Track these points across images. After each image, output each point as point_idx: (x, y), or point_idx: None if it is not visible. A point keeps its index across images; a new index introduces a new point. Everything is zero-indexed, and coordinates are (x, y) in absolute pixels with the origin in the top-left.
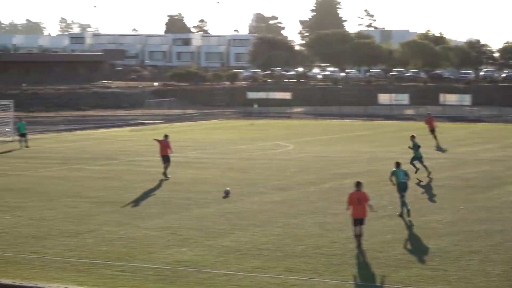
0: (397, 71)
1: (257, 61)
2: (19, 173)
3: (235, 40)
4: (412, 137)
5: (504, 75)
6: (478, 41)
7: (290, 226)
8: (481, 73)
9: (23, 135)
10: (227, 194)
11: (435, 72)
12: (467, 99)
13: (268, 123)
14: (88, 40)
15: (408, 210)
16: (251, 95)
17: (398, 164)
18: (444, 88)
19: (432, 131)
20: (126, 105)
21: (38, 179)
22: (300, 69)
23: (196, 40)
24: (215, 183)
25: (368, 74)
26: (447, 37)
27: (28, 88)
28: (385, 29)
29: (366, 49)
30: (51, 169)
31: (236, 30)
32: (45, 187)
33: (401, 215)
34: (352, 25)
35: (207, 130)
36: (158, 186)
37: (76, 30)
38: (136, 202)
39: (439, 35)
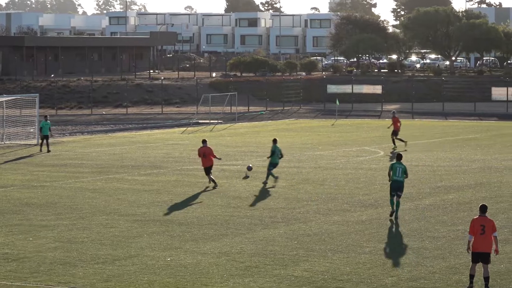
0: None
1: (340, 46)
2: (44, 184)
3: (313, 21)
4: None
5: None
6: None
7: (378, 253)
8: None
9: (46, 137)
10: (247, 173)
11: None
12: None
13: (353, 123)
14: (132, 21)
15: (396, 212)
16: (332, 88)
17: (398, 157)
18: None
19: (395, 133)
20: (177, 101)
21: (67, 191)
22: (394, 57)
23: (265, 21)
24: (285, 198)
25: (479, 63)
26: None
27: (57, 79)
28: (502, 6)
29: (477, 32)
30: (83, 179)
31: (314, 8)
32: (75, 201)
33: (392, 216)
34: (460, 2)
35: (277, 132)
36: (215, 200)
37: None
38: (188, 221)
39: None
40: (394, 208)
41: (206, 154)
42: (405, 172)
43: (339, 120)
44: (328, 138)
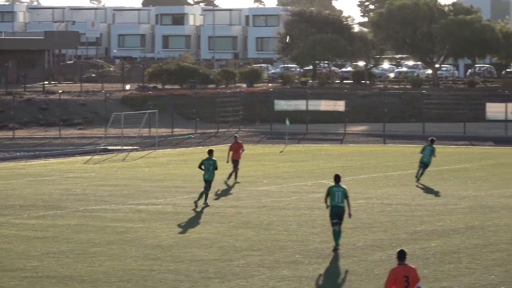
0: None
1: (291, 50)
2: None
3: (257, 17)
4: None
5: None
6: None
7: None
8: None
9: None
10: None
11: None
12: None
13: (308, 150)
14: (21, 17)
15: (337, 245)
16: (282, 105)
17: (336, 179)
18: None
19: (236, 162)
20: (79, 122)
21: None
22: (361, 64)
23: (194, 17)
24: (220, 247)
25: (470, 71)
26: None
27: None
28: None
29: (467, 31)
30: None
31: (258, 1)
32: None
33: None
34: None
35: None
36: (128, 250)
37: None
38: (93, 277)
39: None
40: (338, 242)
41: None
42: (345, 196)
43: (289, 146)
44: (276, 169)
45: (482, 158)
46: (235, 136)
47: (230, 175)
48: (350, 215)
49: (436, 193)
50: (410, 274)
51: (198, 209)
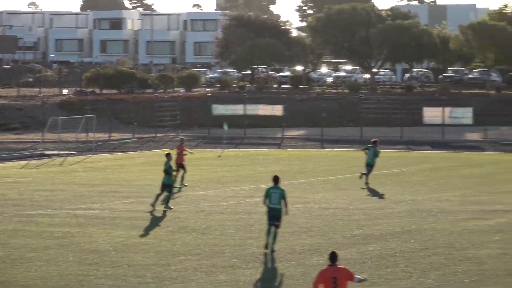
0: (454, 71)
1: (229, 55)
2: None
3: (195, 22)
4: None
5: None
6: None
7: None
8: None
9: None
10: None
11: None
12: None
13: (246, 154)
14: None
15: (273, 244)
16: (219, 109)
17: (275, 180)
18: None
19: (181, 166)
20: (16, 126)
21: None
22: (299, 68)
23: (132, 22)
24: (157, 251)
25: (408, 76)
26: None
27: None
28: (437, 3)
29: (405, 36)
30: None
31: (196, 5)
32: None
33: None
34: None
35: (147, 167)
36: (65, 255)
37: None
38: (29, 283)
39: None
40: (270, 240)
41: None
42: (283, 198)
43: (227, 151)
44: (214, 173)
45: (419, 162)
46: (182, 138)
47: (182, 177)
48: (286, 212)
49: (374, 198)
50: (338, 275)
51: (158, 214)
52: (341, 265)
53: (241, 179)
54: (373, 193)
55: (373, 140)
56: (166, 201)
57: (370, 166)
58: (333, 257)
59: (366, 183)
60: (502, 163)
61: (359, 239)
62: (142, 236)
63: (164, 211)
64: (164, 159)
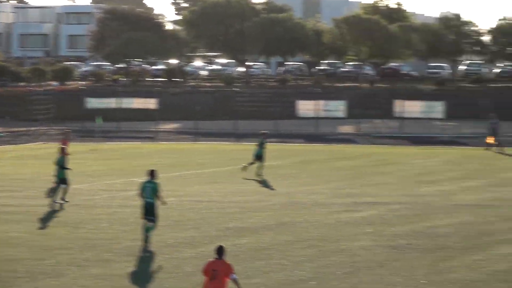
0: (328, 64)
1: (104, 48)
2: None
3: (69, 15)
4: None
5: (497, 70)
6: (457, 17)
7: None
8: (462, 67)
9: None
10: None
11: (389, 67)
12: (438, 109)
13: (119, 147)
14: None
15: (147, 236)
16: (93, 103)
17: (150, 174)
18: (402, 92)
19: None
20: None
21: None
22: (173, 62)
23: (6, 15)
24: (30, 246)
25: (282, 69)
26: (409, 11)
27: None
28: None
29: (279, 30)
30: None
31: None
32: None
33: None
34: None
35: (18, 161)
36: None
37: None
38: None
39: (396, 6)
40: (144, 233)
41: None
42: (154, 191)
43: (101, 144)
44: (87, 167)
45: (293, 155)
46: (66, 131)
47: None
48: (164, 203)
49: (248, 191)
50: (219, 268)
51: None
52: (227, 260)
53: (114, 172)
54: (248, 185)
55: (261, 132)
56: (64, 194)
57: (258, 157)
58: (219, 251)
59: (259, 175)
60: (374, 155)
61: (233, 232)
62: (14, 230)
63: (61, 204)
64: (57, 154)
